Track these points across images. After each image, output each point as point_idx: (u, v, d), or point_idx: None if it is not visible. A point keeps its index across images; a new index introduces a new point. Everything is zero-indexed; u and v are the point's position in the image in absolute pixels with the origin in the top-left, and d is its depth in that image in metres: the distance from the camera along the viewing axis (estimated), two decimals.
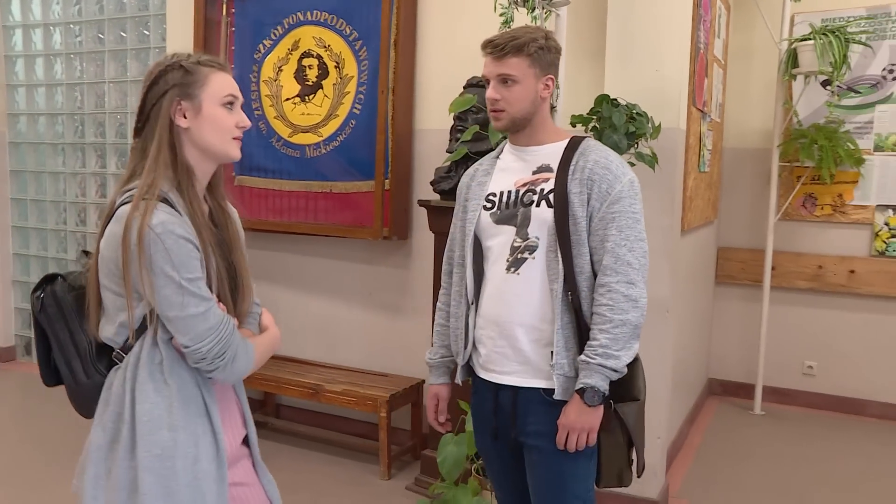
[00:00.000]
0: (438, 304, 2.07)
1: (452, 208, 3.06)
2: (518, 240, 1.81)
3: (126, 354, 1.51)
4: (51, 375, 1.61)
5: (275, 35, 4.05)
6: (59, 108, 5.14)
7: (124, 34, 4.85)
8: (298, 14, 3.96)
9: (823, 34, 4.10)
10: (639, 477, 1.92)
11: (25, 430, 4.16)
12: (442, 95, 3.66)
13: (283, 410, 4.28)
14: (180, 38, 4.38)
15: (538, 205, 1.79)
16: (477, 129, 3.06)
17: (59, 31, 5.09)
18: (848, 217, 4.55)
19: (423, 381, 3.76)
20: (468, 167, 3.22)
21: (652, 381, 2.02)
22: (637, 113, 2.71)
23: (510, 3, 2.63)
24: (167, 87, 1.51)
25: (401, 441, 3.77)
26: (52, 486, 3.43)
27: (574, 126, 2.75)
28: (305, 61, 3.97)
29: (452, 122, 3.35)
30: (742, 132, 4.75)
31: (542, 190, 1.80)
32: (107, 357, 1.55)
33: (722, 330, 4.90)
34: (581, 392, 1.72)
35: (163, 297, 1.44)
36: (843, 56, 4.10)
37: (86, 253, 1.64)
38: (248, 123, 1.59)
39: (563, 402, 1.77)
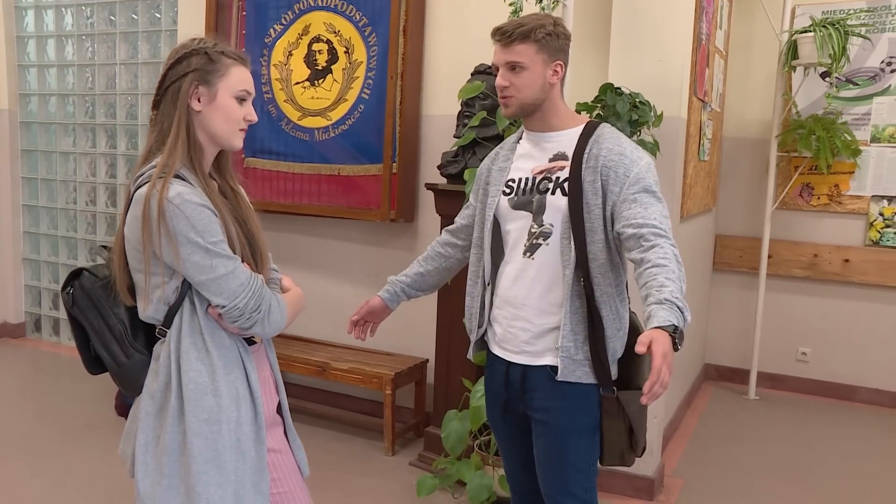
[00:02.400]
0: (428, 247, 2.22)
1: (460, 192, 3.20)
2: (535, 226, 1.87)
3: (168, 329, 1.60)
4: (93, 364, 1.70)
5: (285, 19, 4.12)
6: (70, 89, 5.21)
7: (135, 16, 4.91)
8: (309, 0, 4.03)
9: (823, 26, 4.18)
10: (639, 457, 2.00)
11: (38, 404, 4.26)
12: (449, 81, 3.74)
13: (291, 388, 4.36)
14: (191, 21, 4.45)
15: (553, 192, 1.84)
16: (484, 115, 3.14)
17: (70, 13, 5.15)
18: (844, 207, 4.64)
19: (427, 361, 3.86)
20: (475, 152, 3.35)
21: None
22: (640, 101, 2.80)
23: None
24: (189, 69, 1.59)
25: (404, 419, 3.88)
26: (65, 456, 3.54)
27: (580, 114, 2.83)
28: (315, 46, 4.05)
29: (460, 108, 3.43)
30: (742, 122, 4.83)
31: (558, 178, 1.85)
32: (143, 335, 1.66)
33: (718, 316, 5.01)
34: (671, 331, 1.48)
35: (192, 264, 1.53)
36: (843, 48, 4.17)
37: (104, 248, 1.73)
38: (255, 118, 1.68)
39: (565, 382, 1.83)
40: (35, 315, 5.55)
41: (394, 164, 3.82)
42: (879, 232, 4.56)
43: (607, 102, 2.77)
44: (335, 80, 4.01)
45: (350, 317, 2.21)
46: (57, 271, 5.39)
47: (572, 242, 1.81)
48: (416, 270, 2.20)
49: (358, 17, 3.91)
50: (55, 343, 5.46)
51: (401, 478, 3.43)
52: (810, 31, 4.21)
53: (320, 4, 4.01)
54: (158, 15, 4.83)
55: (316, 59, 4.05)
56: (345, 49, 3.96)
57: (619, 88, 2.81)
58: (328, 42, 4.01)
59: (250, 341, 1.71)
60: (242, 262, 1.62)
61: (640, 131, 2.84)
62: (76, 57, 5.16)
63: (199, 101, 1.60)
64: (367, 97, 3.90)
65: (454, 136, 3.47)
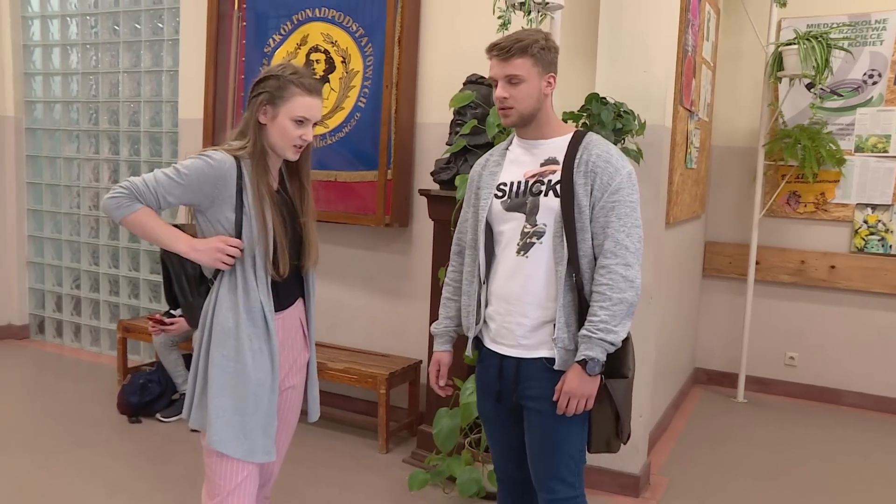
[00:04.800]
0: (446, 280, 2.28)
1: (451, 197, 3.31)
2: (528, 226, 1.99)
3: (215, 281, 1.99)
4: (173, 299, 2.22)
5: (284, 30, 4.24)
6: (74, 97, 5.33)
7: (139, 26, 5.04)
8: (307, 10, 4.16)
9: (807, 39, 4.30)
10: (624, 444, 2.11)
11: (43, 402, 4.36)
12: (442, 91, 3.86)
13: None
14: (193, 30, 4.58)
15: (546, 194, 1.97)
16: (475, 124, 3.26)
17: (75, 22, 5.28)
18: (829, 214, 4.76)
19: (421, 362, 3.97)
20: (466, 159, 3.47)
21: (636, 361, 2.21)
22: (624, 111, 2.91)
23: (508, 7, 2.83)
24: (264, 89, 1.96)
25: (398, 418, 3.98)
26: (70, 451, 3.64)
27: (566, 122, 2.95)
28: (313, 56, 4.17)
29: (452, 117, 3.55)
30: (730, 131, 4.95)
31: (550, 181, 1.98)
32: (205, 285, 2.04)
33: (709, 321, 5.11)
34: (583, 363, 1.89)
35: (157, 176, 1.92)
36: (825, 60, 4.30)
37: None
38: (309, 139, 2.01)
39: (562, 372, 1.96)
40: (39, 317, 5.66)
41: (389, 171, 3.94)
42: (864, 239, 4.67)
43: (592, 111, 2.88)
44: (332, 88, 4.13)
45: (439, 385, 2.26)
46: (60, 274, 5.51)
47: (564, 241, 1.94)
48: (455, 307, 2.24)
49: (355, 28, 4.03)
50: (58, 344, 5.57)
51: (394, 474, 3.52)
52: (794, 44, 4.33)
53: (318, 15, 4.14)
54: (161, 25, 4.95)
55: (314, 69, 4.17)
56: (342, 59, 4.08)
57: (605, 98, 2.93)
58: (325, 52, 4.13)
59: (278, 306, 2.02)
60: (275, 251, 1.97)
61: (623, 139, 2.95)
62: (80, 65, 5.28)
63: (264, 115, 1.97)
64: (363, 105, 4.02)
65: (447, 144, 3.58)
